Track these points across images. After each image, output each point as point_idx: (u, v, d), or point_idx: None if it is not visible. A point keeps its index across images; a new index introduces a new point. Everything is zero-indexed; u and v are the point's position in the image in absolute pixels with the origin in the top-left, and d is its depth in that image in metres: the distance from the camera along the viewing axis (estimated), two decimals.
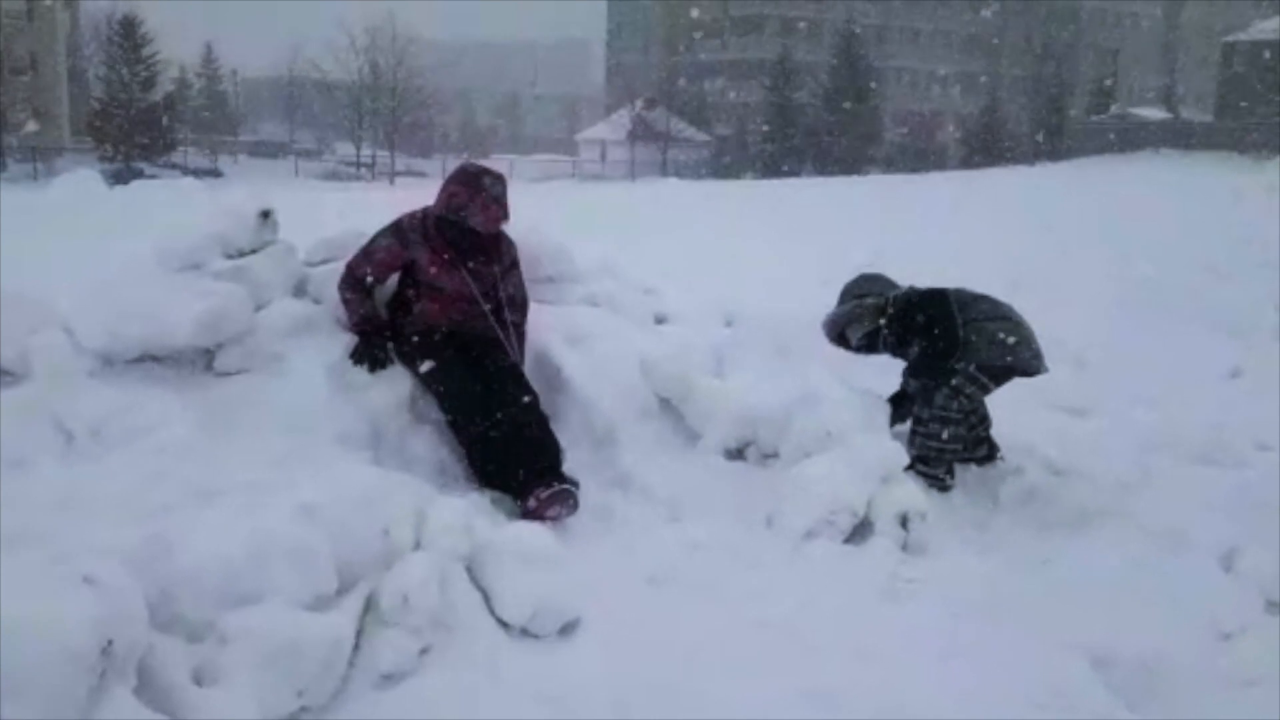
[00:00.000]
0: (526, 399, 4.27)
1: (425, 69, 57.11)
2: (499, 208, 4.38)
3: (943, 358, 4.50)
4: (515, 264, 4.65)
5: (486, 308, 4.45)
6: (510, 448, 4.11)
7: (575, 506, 4.04)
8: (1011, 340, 4.52)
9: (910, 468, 4.32)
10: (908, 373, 4.72)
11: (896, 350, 4.73)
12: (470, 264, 4.43)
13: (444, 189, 4.43)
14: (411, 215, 4.49)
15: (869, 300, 4.70)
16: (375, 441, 4.06)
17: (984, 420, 4.75)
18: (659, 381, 4.73)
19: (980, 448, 4.77)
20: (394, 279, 4.55)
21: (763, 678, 3.06)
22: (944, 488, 4.47)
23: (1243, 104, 50.92)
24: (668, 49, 64.32)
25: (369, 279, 4.42)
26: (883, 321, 4.66)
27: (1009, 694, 3.03)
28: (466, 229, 4.36)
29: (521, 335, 4.64)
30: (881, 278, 4.82)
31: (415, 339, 4.36)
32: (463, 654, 3.03)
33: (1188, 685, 3.12)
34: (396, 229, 4.45)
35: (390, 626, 2.99)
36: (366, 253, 4.45)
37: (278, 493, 3.20)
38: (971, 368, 4.50)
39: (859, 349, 4.79)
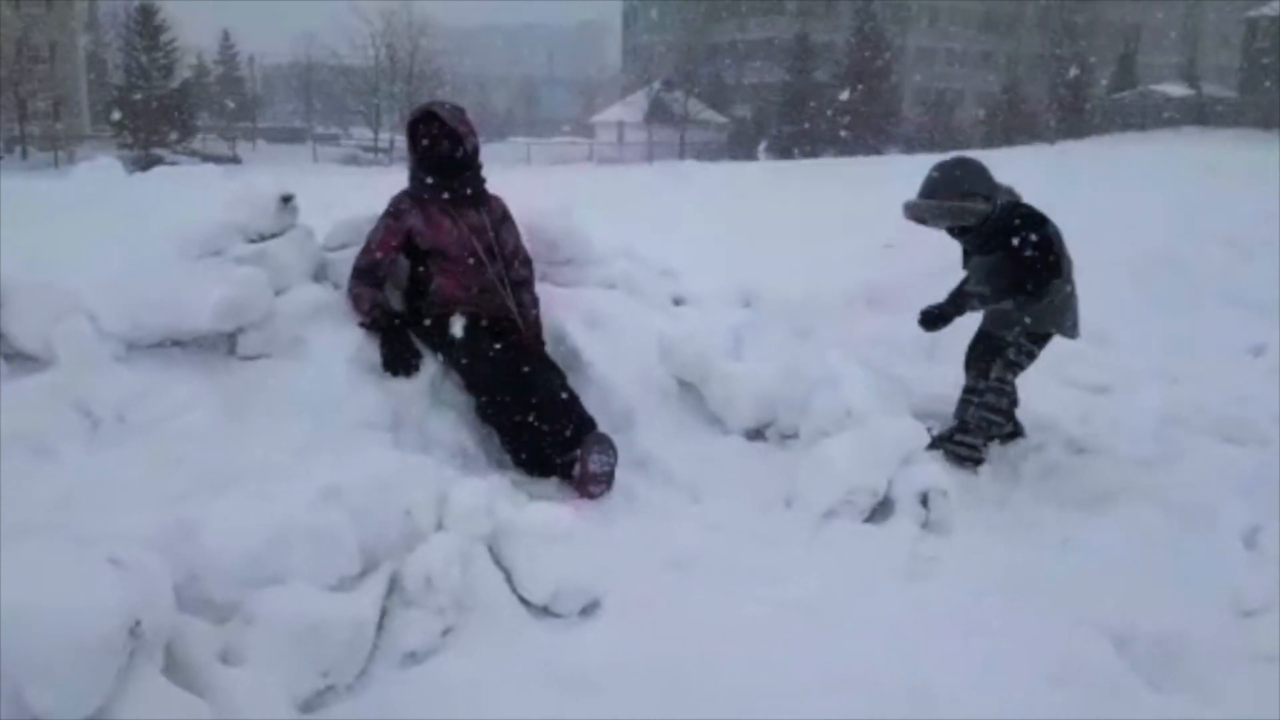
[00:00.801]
0: (556, 379, 4.34)
1: (441, 53, 57.13)
2: (463, 113, 4.56)
3: (1032, 290, 4.40)
4: (508, 216, 4.71)
5: (493, 270, 4.49)
6: (545, 429, 4.17)
7: (614, 453, 4.14)
8: (1057, 304, 4.52)
9: (943, 441, 4.37)
10: (986, 280, 4.53)
11: (977, 250, 4.61)
12: (463, 218, 4.49)
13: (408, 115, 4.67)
14: (397, 193, 4.60)
15: (978, 205, 4.45)
16: (396, 425, 4.09)
17: (1015, 393, 4.77)
18: (678, 364, 4.73)
19: (1009, 423, 4.77)
20: (406, 271, 4.59)
21: (782, 657, 3.07)
22: (979, 460, 4.49)
23: (1265, 79, 50.38)
24: (685, 30, 63.92)
25: (376, 266, 4.45)
26: (973, 221, 4.46)
27: (1029, 671, 3.04)
28: (437, 136, 4.46)
29: (534, 299, 4.68)
30: (983, 171, 4.54)
31: (436, 320, 4.39)
32: (485, 633, 3.06)
33: (1208, 662, 3.12)
34: (388, 209, 4.56)
35: (413, 607, 3.02)
36: (367, 242, 4.51)
37: (300, 476, 3.23)
38: (1023, 335, 4.51)
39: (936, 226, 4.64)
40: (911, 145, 49.64)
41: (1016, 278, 4.41)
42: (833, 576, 3.54)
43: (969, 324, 4.85)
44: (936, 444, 4.47)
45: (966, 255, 4.75)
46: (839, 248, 8.91)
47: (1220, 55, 69.10)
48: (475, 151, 4.57)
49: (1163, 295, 7.41)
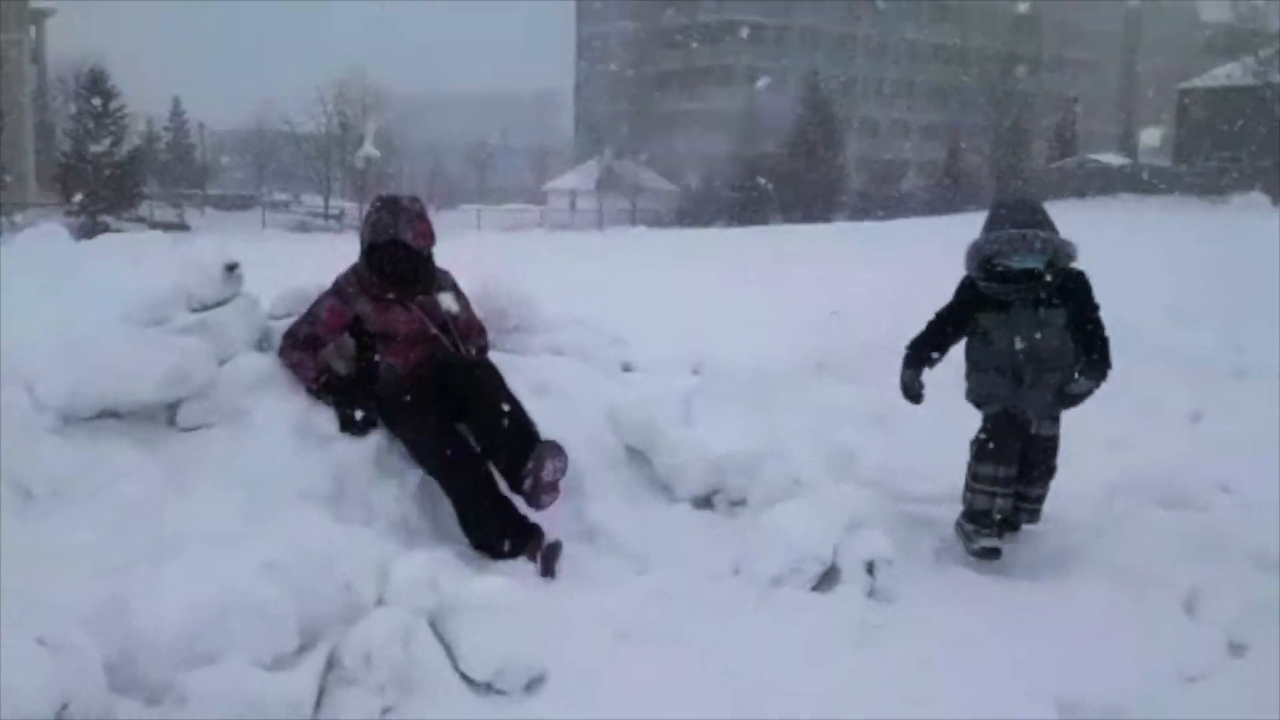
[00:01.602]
0: (494, 384, 4.31)
1: (394, 121, 57.42)
2: (425, 224, 4.39)
3: (1104, 362, 4.33)
4: (456, 289, 4.63)
5: (448, 340, 4.46)
6: (492, 447, 4.21)
7: (565, 460, 4.16)
8: None
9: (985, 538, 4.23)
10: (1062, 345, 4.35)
11: (1039, 304, 4.31)
12: (414, 299, 4.43)
13: (365, 222, 4.44)
14: (344, 273, 4.48)
15: (1072, 252, 4.31)
16: (338, 496, 4.02)
17: None
18: (626, 430, 4.72)
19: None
20: (352, 349, 4.53)
21: None
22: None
23: (1199, 149, 51.87)
24: (635, 100, 64.85)
25: (317, 340, 4.37)
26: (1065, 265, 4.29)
27: None
28: (399, 260, 4.34)
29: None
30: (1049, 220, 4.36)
31: (388, 397, 4.33)
32: (426, 712, 3.00)
33: None
34: (335, 288, 4.45)
35: (352, 685, 2.96)
36: (309, 314, 4.43)
37: (239, 549, 3.17)
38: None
39: (988, 274, 4.35)
40: (858, 213, 50.42)
41: (1104, 353, 4.35)
42: (781, 646, 3.53)
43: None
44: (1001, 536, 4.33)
45: (998, 309, 4.39)
46: (788, 314, 8.99)
47: (1155, 125, 71.03)
48: (431, 252, 4.49)
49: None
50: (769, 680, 3.30)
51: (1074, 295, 4.34)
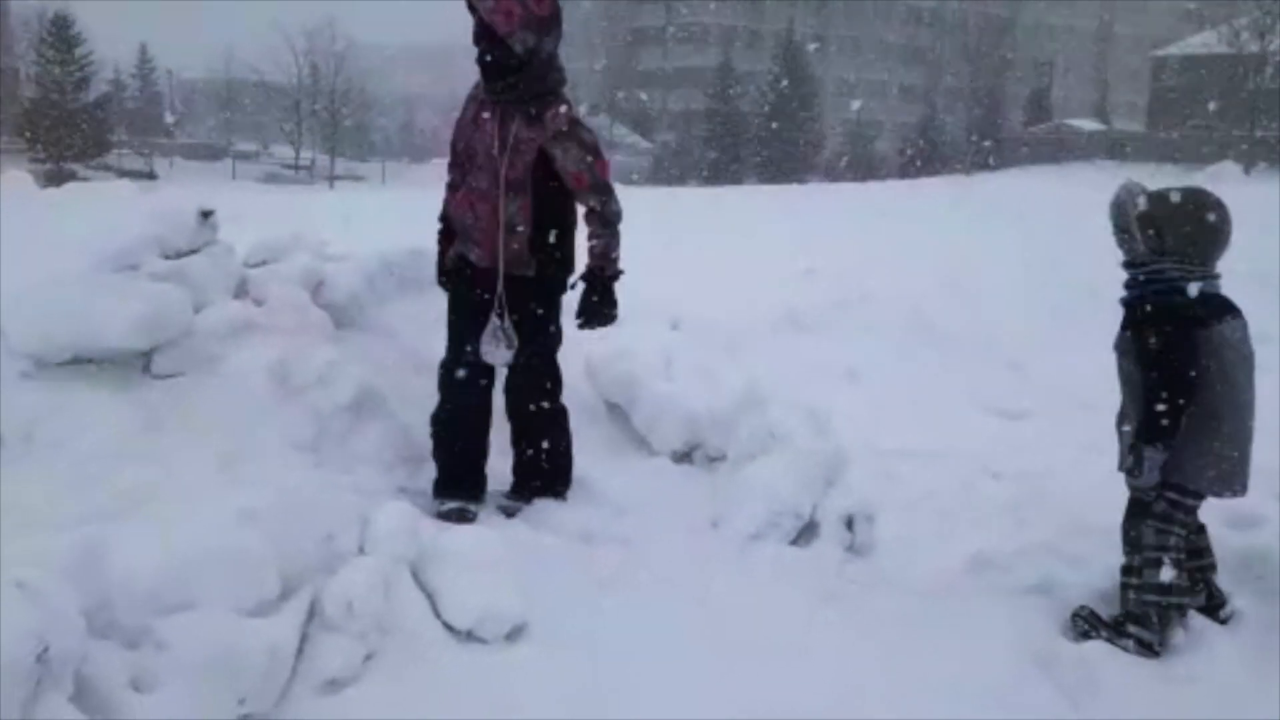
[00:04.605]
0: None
1: (366, 72, 56.76)
2: (518, 4, 3.67)
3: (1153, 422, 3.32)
4: (569, 135, 3.87)
5: (499, 191, 3.82)
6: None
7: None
8: (1227, 455, 3.37)
9: (1106, 629, 3.41)
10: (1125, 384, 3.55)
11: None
12: (506, 120, 3.83)
13: None
14: None
15: (1136, 240, 3.42)
16: (319, 443, 3.99)
17: (1200, 554, 3.61)
18: (606, 385, 4.72)
19: (1194, 597, 3.55)
20: None
21: (708, 680, 3.06)
22: (1155, 652, 3.37)
23: (1173, 116, 52.13)
24: (610, 56, 64.38)
25: (453, 145, 4.03)
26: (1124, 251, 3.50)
27: (954, 694, 3.07)
28: (481, 46, 3.77)
29: (605, 231, 4.03)
30: (1195, 218, 3.37)
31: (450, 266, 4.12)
32: (408, 659, 3.00)
33: (1129, 683, 3.17)
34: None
35: (334, 632, 2.95)
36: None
37: (216, 497, 3.15)
38: (1171, 492, 3.39)
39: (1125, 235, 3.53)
40: (833, 174, 50.43)
41: (1146, 426, 3.34)
42: (758, 599, 3.55)
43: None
44: (1097, 632, 3.43)
45: None
46: (764, 271, 8.99)
47: (1129, 91, 71.32)
48: (531, 53, 3.74)
49: (1075, 322, 7.57)
50: (745, 634, 3.32)
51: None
